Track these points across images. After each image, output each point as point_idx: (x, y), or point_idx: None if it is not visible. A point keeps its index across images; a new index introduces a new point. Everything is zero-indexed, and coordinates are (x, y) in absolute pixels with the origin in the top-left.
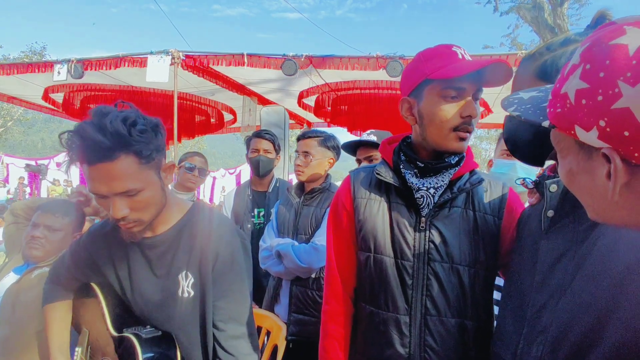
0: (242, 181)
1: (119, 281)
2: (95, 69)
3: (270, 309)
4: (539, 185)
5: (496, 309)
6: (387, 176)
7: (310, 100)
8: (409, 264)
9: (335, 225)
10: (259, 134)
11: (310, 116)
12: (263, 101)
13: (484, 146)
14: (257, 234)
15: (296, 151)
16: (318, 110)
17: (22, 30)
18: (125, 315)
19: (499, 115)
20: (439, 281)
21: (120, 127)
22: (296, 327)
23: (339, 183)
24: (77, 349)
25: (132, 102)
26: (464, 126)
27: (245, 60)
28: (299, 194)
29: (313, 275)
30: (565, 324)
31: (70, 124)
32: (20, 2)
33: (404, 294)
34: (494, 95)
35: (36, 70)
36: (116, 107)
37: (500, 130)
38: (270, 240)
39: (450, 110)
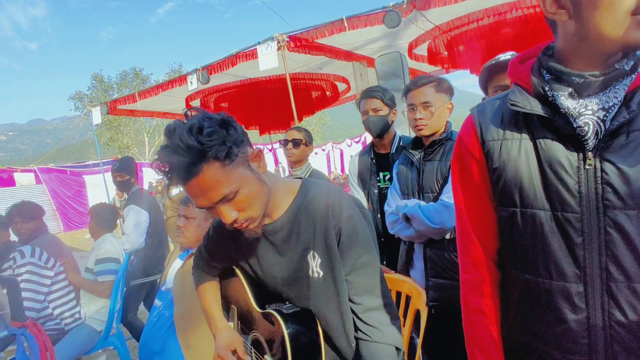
0: None
1: (250, 267)
2: (218, 72)
3: (405, 273)
4: None
5: None
6: (528, 104)
7: (422, 50)
8: (574, 217)
9: (463, 178)
10: (365, 94)
11: (424, 66)
12: (372, 63)
13: None
14: (384, 199)
15: (410, 104)
16: (432, 58)
17: (163, 55)
18: (265, 292)
19: None
20: (624, 235)
21: (188, 140)
22: (436, 292)
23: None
24: (229, 323)
25: (253, 93)
26: None
27: (346, 24)
28: (418, 150)
29: (447, 236)
30: None
31: None
32: (155, 27)
33: (573, 256)
34: None
35: (175, 85)
36: (185, 118)
37: None
38: (394, 203)
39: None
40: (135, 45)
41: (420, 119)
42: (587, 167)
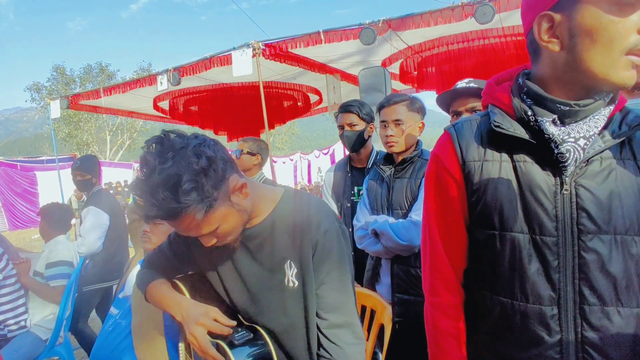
0: (337, 159)
1: (218, 275)
2: (190, 74)
3: (371, 288)
4: None
5: None
6: (512, 127)
7: (395, 68)
8: (552, 241)
9: (438, 197)
10: (341, 108)
11: (395, 84)
12: (346, 77)
13: None
14: None
15: (383, 121)
16: (403, 76)
17: (132, 52)
18: (219, 309)
19: None
20: (597, 259)
21: (164, 197)
22: (401, 308)
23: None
24: (180, 344)
25: (225, 98)
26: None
27: (322, 37)
28: (389, 166)
29: (416, 251)
30: None
31: (182, 128)
32: (127, 24)
33: (549, 279)
34: None
35: (144, 85)
36: (159, 143)
37: None
38: (363, 218)
39: (626, 23)
40: (104, 39)
41: (391, 135)
42: (564, 192)
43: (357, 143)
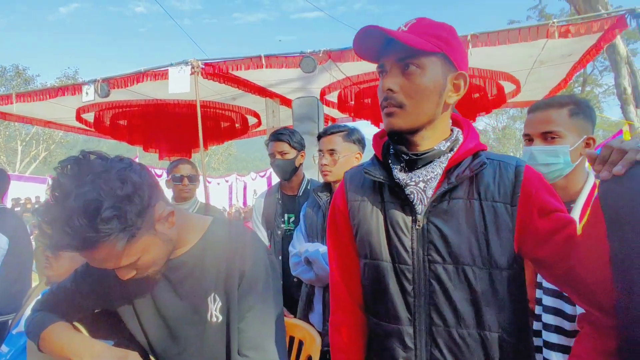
0: (273, 183)
1: (133, 308)
2: (121, 87)
3: (305, 317)
4: None
5: (538, 309)
6: (376, 173)
7: (333, 96)
8: (407, 269)
9: (333, 231)
10: (272, 136)
11: (334, 112)
12: (285, 102)
13: (518, 126)
14: (287, 240)
15: (319, 150)
16: (341, 105)
17: (57, 58)
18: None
19: (531, 93)
20: (442, 286)
21: (80, 225)
22: None
23: None
24: None
25: (157, 114)
26: (383, 102)
27: (264, 62)
28: (326, 195)
29: None
30: None
31: (107, 142)
32: (53, 27)
33: (405, 302)
34: (525, 72)
35: (66, 94)
36: (81, 166)
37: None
38: (299, 246)
39: (378, 91)
40: (25, 41)
41: (325, 164)
42: (417, 227)
43: (289, 171)
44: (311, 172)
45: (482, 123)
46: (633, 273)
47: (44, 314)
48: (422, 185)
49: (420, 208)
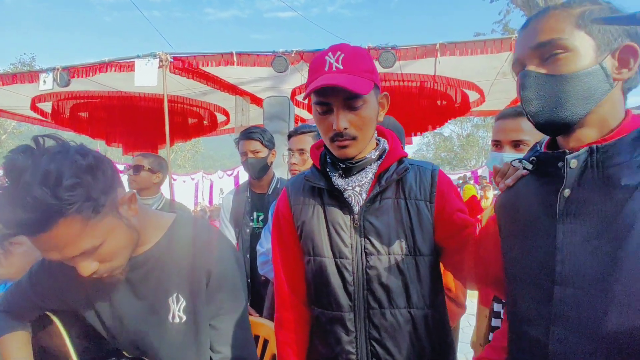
0: (241, 182)
1: (93, 309)
2: (82, 76)
3: (271, 316)
4: (545, 163)
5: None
6: (316, 180)
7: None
8: (347, 262)
9: (278, 235)
10: (244, 135)
11: (304, 113)
12: (255, 100)
13: (480, 134)
14: (256, 238)
15: (289, 149)
16: (311, 106)
17: (13, 43)
18: (95, 348)
19: (494, 103)
20: (377, 274)
21: (42, 193)
22: None
23: None
24: None
25: (122, 107)
26: (335, 137)
27: (235, 59)
28: None
29: None
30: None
31: (63, 134)
32: (11, 11)
33: (346, 291)
34: (489, 82)
35: (22, 81)
36: (36, 146)
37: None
38: (267, 245)
39: (322, 124)
40: None
41: (295, 164)
42: (355, 225)
43: (261, 170)
44: (280, 171)
45: (447, 130)
46: (511, 281)
47: (3, 317)
48: (358, 189)
49: (357, 208)
